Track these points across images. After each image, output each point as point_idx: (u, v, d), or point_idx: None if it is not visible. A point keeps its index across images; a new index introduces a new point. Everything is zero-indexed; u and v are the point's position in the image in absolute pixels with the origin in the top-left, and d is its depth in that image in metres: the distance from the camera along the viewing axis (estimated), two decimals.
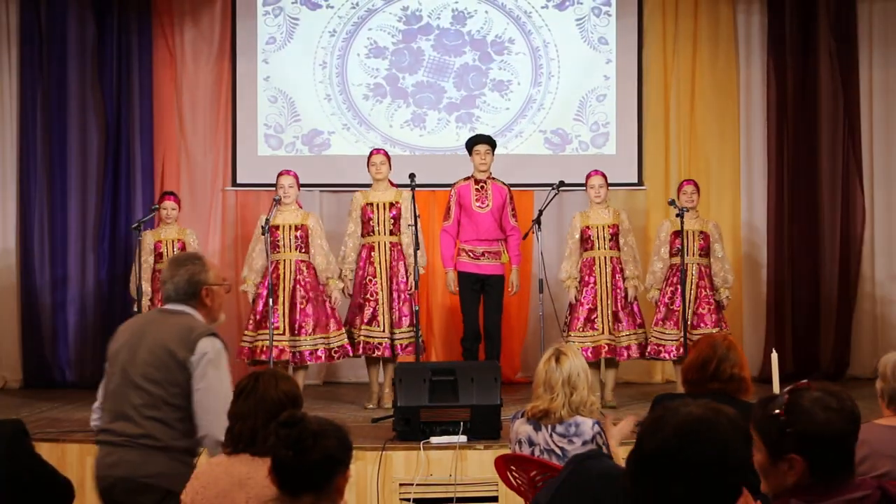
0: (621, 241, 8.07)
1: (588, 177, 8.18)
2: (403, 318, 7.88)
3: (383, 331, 7.86)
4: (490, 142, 8.15)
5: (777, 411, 2.40)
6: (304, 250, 7.89)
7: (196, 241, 8.09)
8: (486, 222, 8.08)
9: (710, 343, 3.98)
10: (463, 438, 6.36)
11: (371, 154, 8.15)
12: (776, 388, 4.29)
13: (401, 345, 7.88)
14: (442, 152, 9.59)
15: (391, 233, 7.97)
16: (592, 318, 7.96)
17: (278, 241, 7.79)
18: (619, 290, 8.00)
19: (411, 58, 9.74)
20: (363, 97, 9.69)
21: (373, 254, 7.94)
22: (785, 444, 2.38)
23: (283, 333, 7.74)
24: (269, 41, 9.71)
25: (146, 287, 7.92)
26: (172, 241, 8.08)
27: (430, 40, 9.74)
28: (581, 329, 7.95)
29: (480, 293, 8.14)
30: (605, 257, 8.02)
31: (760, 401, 2.50)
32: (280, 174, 7.98)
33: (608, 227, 8.04)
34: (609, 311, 7.97)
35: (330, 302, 7.90)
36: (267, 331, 7.56)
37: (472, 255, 8.11)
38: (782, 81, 9.59)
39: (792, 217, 9.55)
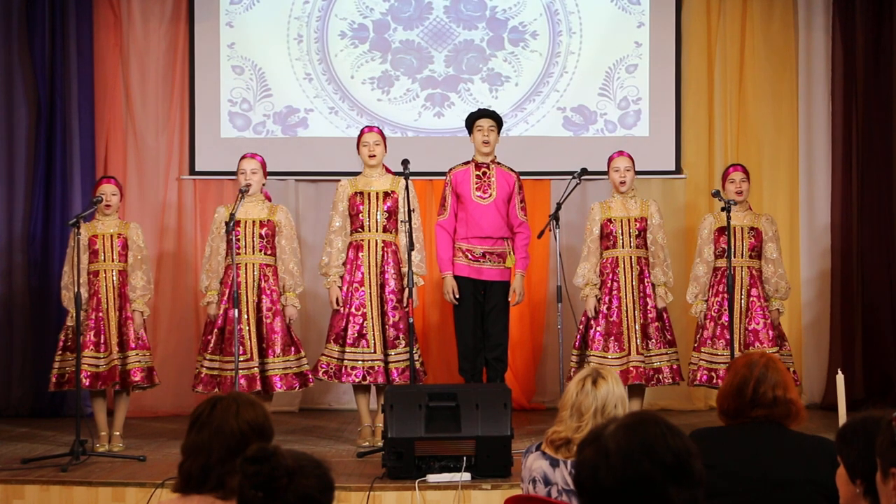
0: (650, 238, 8.04)
1: (611, 159, 8.15)
2: (400, 336, 7.77)
3: (374, 352, 7.75)
4: (495, 117, 8.14)
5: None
6: (269, 252, 7.87)
7: (141, 238, 7.97)
8: (488, 216, 8.03)
9: (746, 362, 3.97)
10: (466, 476, 6.38)
11: (362, 133, 8.06)
12: (842, 415, 4.30)
13: (397, 369, 7.74)
14: (391, 125, 9.60)
15: (385, 230, 7.91)
16: (618, 333, 7.92)
17: (238, 239, 7.74)
18: (647, 299, 7.98)
19: (415, 11, 9.79)
20: (339, 34, 9.76)
21: (360, 255, 7.86)
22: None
23: (251, 358, 7.71)
24: (233, 0, 9.73)
25: (83, 293, 7.68)
26: (111, 237, 7.86)
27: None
28: (604, 348, 7.90)
29: (480, 304, 8.07)
30: (631, 258, 8.00)
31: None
32: (242, 158, 7.95)
33: (635, 220, 8.02)
34: (637, 325, 7.96)
35: (284, 318, 7.86)
36: (232, 357, 7.50)
37: (470, 256, 8.05)
38: (850, 47, 9.60)
39: (861, 214, 9.56)
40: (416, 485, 6.34)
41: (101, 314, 7.80)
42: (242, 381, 7.57)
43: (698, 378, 8.03)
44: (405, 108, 9.79)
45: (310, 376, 7.90)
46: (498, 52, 9.80)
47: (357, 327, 7.77)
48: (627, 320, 7.93)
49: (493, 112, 8.22)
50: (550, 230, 7.71)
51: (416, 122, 9.75)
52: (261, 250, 7.85)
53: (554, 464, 4.37)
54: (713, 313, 7.97)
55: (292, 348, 7.83)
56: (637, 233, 8.01)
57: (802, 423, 3.86)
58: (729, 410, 3.86)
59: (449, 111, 9.71)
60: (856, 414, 3.01)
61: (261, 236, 7.84)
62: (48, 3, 9.44)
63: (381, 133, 8.07)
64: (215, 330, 7.77)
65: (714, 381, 7.94)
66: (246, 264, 7.82)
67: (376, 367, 7.74)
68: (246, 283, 7.79)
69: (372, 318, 7.78)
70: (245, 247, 7.81)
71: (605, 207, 8.10)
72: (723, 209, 7.64)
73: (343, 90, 9.73)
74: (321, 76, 9.75)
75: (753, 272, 8.03)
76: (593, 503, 2.34)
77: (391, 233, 7.93)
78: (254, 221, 7.84)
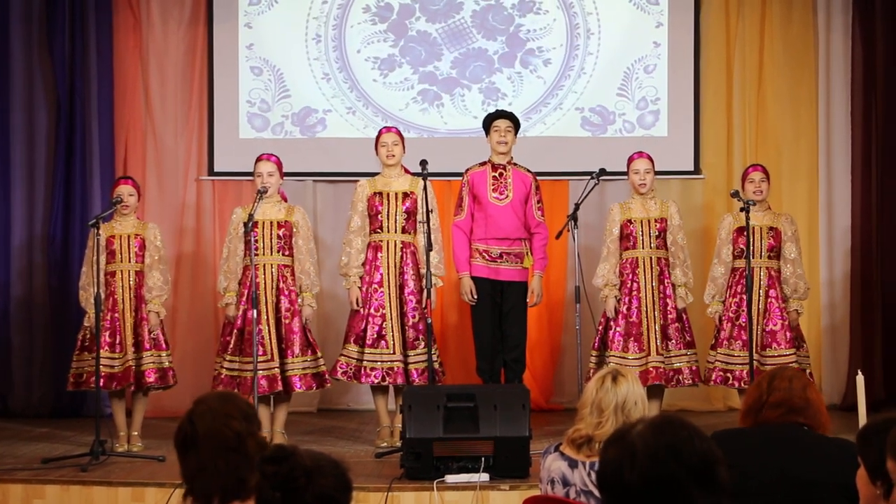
0: (669, 239, 8.03)
1: (630, 160, 8.15)
2: (419, 337, 7.79)
3: (393, 353, 7.76)
4: (512, 118, 8.15)
5: None
6: (287, 252, 7.86)
7: (159, 238, 7.98)
8: (504, 217, 8.04)
9: (767, 374, 3.99)
10: (484, 477, 6.37)
11: (380, 133, 8.08)
12: (862, 416, 4.27)
13: (416, 370, 7.75)
14: (374, 107, 9.61)
15: (403, 230, 7.91)
16: (637, 334, 7.90)
17: (256, 240, 7.72)
18: (668, 300, 7.97)
19: (444, 7, 9.77)
20: (363, 7, 9.74)
21: (379, 255, 7.87)
22: None
23: (271, 358, 7.70)
24: (252, 2, 9.74)
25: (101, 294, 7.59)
26: (129, 237, 7.87)
27: (477, 4, 9.77)
28: (623, 348, 7.90)
29: (498, 305, 8.07)
30: (651, 258, 7.99)
31: None
32: (258, 159, 7.93)
33: (654, 221, 8.01)
34: (657, 326, 7.94)
35: (300, 319, 7.85)
36: (251, 358, 7.47)
37: (486, 256, 8.06)
38: (870, 49, 9.56)
39: (882, 213, 9.51)
40: (435, 485, 6.34)
41: (116, 315, 7.81)
42: (263, 382, 7.57)
43: (713, 378, 8.03)
44: (396, 95, 9.75)
45: (327, 377, 7.91)
46: (506, 68, 9.75)
47: (376, 328, 7.78)
48: (647, 321, 7.92)
49: (511, 113, 8.22)
50: (569, 231, 7.73)
51: (401, 111, 9.69)
52: (278, 251, 7.85)
53: (572, 465, 4.36)
54: (731, 314, 7.95)
55: (309, 349, 7.84)
56: (657, 234, 8.00)
57: (827, 431, 3.85)
58: (750, 413, 3.86)
59: (435, 111, 9.69)
60: (877, 415, 2.99)
61: (278, 237, 7.84)
62: (68, 6, 9.46)
63: (399, 133, 8.07)
64: (234, 331, 7.77)
65: (730, 381, 7.95)
66: (264, 265, 7.81)
67: (395, 368, 7.74)
68: (265, 283, 7.79)
69: (391, 318, 7.78)
70: (263, 248, 7.81)
71: (625, 208, 8.09)
72: (742, 209, 7.63)
73: (344, 59, 9.72)
74: (330, 42, 9.72)
75: (772, 273, 8.01)
76: (616, 502, 2.32)
77: (410, 233, 7.93)
78: (271, 222, 7.85)
